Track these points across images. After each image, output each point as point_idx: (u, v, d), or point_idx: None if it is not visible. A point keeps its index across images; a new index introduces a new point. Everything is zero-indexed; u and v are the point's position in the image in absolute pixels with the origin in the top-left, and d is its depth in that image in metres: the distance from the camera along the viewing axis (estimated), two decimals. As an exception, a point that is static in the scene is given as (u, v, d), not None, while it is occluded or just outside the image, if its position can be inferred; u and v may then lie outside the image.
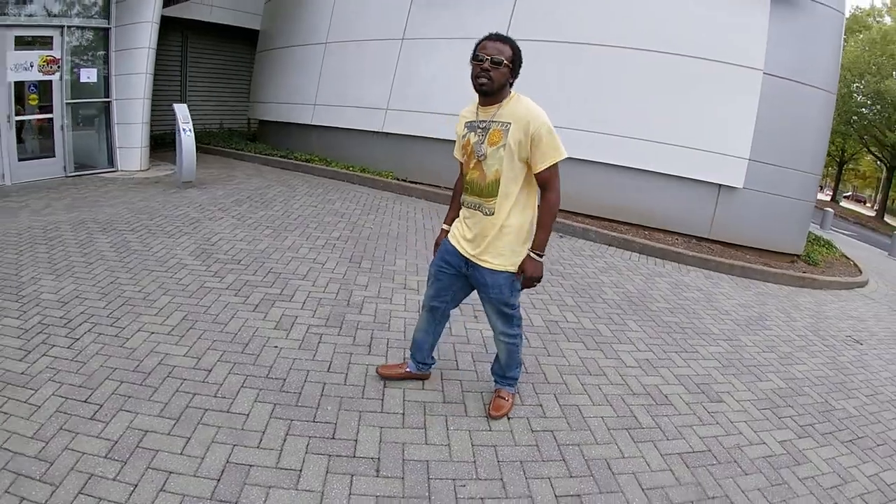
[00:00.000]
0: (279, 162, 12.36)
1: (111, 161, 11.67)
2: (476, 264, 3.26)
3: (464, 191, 3.33)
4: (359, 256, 6.99)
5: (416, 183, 10.81)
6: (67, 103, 10.95)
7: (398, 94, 11.21)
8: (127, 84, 11.02)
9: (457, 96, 10.50)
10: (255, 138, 15.20)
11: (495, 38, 3.03)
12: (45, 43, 10.63)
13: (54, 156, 11.08)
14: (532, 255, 3.12)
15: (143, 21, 10.60)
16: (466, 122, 3.27)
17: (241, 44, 17.12)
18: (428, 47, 10.74)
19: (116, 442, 3.14)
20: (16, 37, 10.31)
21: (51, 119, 10.95)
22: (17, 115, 10.40)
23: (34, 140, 11.02)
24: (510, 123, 3.01)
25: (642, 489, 3.03)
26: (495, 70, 2.97)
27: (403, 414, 3.58)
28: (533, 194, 3.20)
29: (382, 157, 11.62)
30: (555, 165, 3.02)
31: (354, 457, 3.12)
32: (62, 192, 9.94)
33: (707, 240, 8.77)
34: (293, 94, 13.27)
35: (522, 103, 3.07)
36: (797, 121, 8.66)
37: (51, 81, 10.81)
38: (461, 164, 3.44)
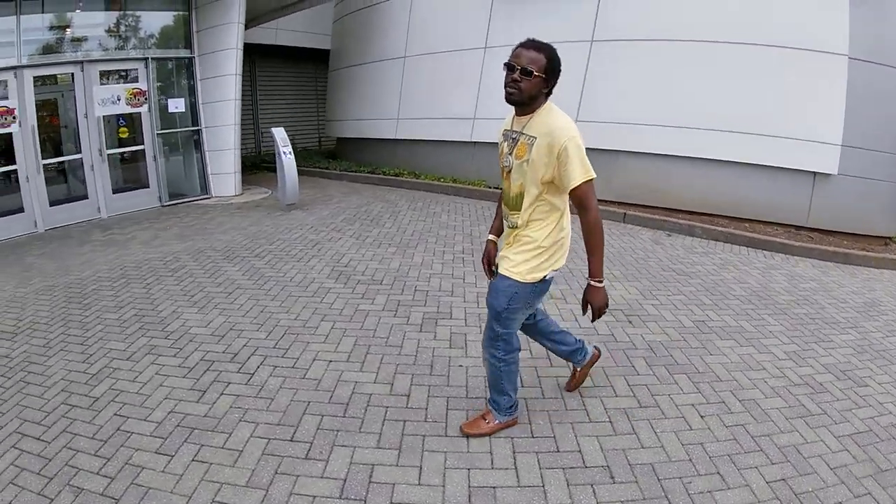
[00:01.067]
0: (368, 178, 12.08)
1: (204, 188, 11.47)
2: (497, 271, 3.08)
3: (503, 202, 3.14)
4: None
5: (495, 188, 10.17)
6: (158, 134, 10.76)
7: (484, 104, 10.76)
8: (215, 111, 10.86)
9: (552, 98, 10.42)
10: (334, 156, 14.86)
11: (530, 45, 2.75)
12: (131, 76, 10.47)
13: (148, 186, 10.91)
14: (592, 282, 2.83)
15: (228, 48, 10.46)
16: (504, 132, 3.04)
17: (307, 64, 16.91)
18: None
19: (346, 480, 3.02)
20: (101, 71, 10.18)
21: (142, 150, 10.76)
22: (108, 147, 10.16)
23: (127, 172, 10.87)
24: (536, 138, 2.76)
25: (830, 468, 3.16)
26: (525, 80, 2.70)
27: (610, 422, 3.61)
28: (558, 213, 2.93)
29: (472, 167, 11.20)
30: (587, 183, 2.72)
31: (586, 467, 3.13)
32: (165, 222, 9.74)
33: (805, 228, 8.40)
34: (373, 109, 12.88)
35: (552, 116, 2.80)
36: (886, 104, 8.14)
37: (140, 113, 10.59)
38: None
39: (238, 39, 10.53)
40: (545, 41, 2.76)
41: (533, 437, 3.41)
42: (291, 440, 3.37)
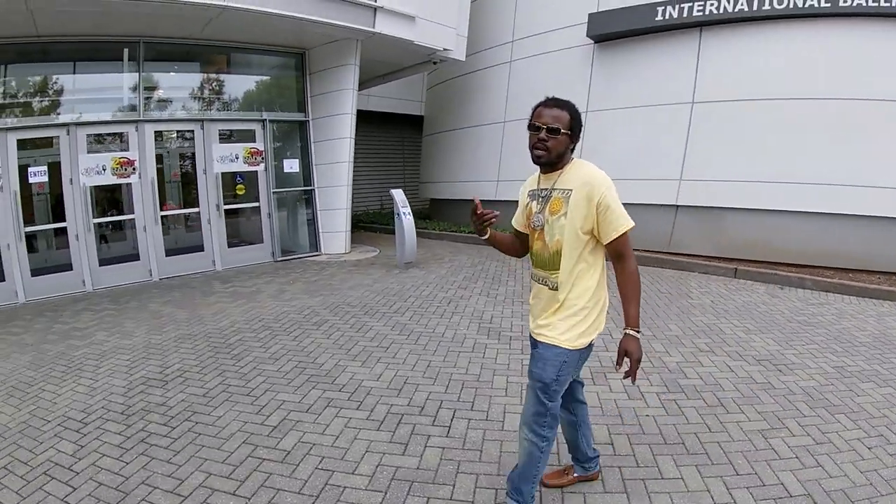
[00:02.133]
0: (468, 238, 11.95)
1: (315, 245, 11.38)
2: (536, 340, 2.79)
3: (532, 264, 2.91)
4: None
5: None
6: (273, 192, 10.76)
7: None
8: (328, 172, 10.96)
9: (649, 162, 9.67)
10: (426, 217, 14.77)
11: (552, 104, 2.63)
12: (248, 136, 10.57)
13: (262, 242, 10.86)
14: (630, 332, 2.58)
15: (343, 113, 10.57)
16: (529, 191, 2.88)
17: (395, 128, 17.01)
18: (612, 118, 10.24)
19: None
20: (220, 130, 10.29)
21: (257, 207, 10.76)
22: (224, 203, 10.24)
23: (242, 227, 10.89)
24: (571, 190, 2.61)
25: None
26: (552, 139, 2.59)
27: (797, 458, 3.57)
28: (599, 270, 2.72)
29: None
30: (625, 235, 2.57)
31: (791, 496, 3.14)
32: (285, 276, 9.59)
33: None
34: (472, 172, 12.81)
35: (584, 169, 2.66)
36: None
37: (256, 172, 10.59)
38: (520, 232, 3.05)
39: (352, 105, 10.59)
40: (564, 98, 2.67)
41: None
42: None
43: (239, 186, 10.45)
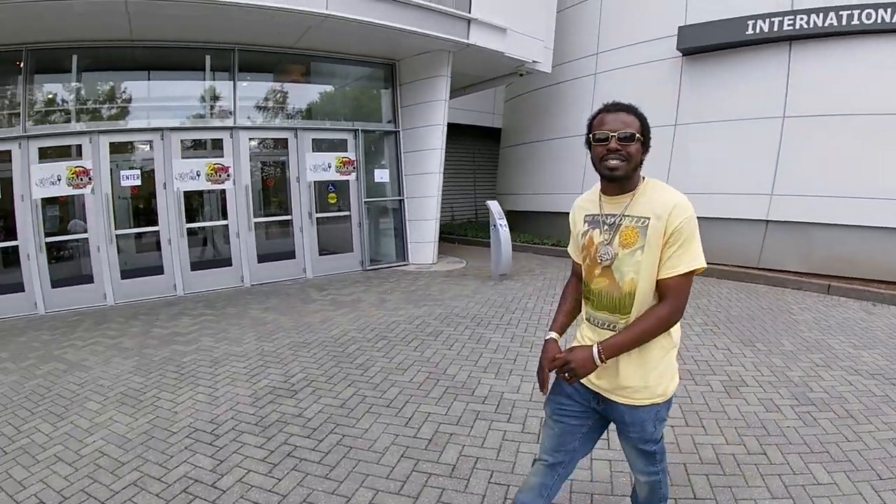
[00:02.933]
0: (551, 250, 11.42)
1: (402, 255, 10.84)
2: (611, 400, 2.14)
3: (586, 302, 2.23)
4: (749, 339, 5.86)
5: (709, 263, 9.12)
6: (364, 202, 10.25)
7: (674, 179, 9.44)
8: (418, 182, 10.47)
9: (739, 176, 9.01)
10: None
11: (614, 108, 2.03)
12: (340, 146, 10.09)
13: (352, 251, 10.33)
14: (597, 348, 1.97)
15: (434, 124, 10.11)
16: (587, 216, 2.21)
17: (466, 139, 16.33)
18: (700, 131, 9.62)
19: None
20: (313, 139, 9.80)
21: (348, 216, 10.28)
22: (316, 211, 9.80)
23: (332, 236, 10.35)
24: (649, 219, 1.99)
25: None
26: (629, 147, 1.96)
27: None
28: None
29: None
30: (689, 275, 1.96)
31: None
32: (379, 286, 8.99)
33: None
34: (553, 184, 12.20)
35: (667, 192, 2.04)
36: None
37: (348, 181, 10.06)
38: (574, 263, 2.38)
39: (444, 116, 10.08)
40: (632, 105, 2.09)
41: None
42: None
43: (331, 195, 10.00)
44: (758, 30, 8.57)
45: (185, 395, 4.76)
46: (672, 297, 1.97)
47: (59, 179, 7.90)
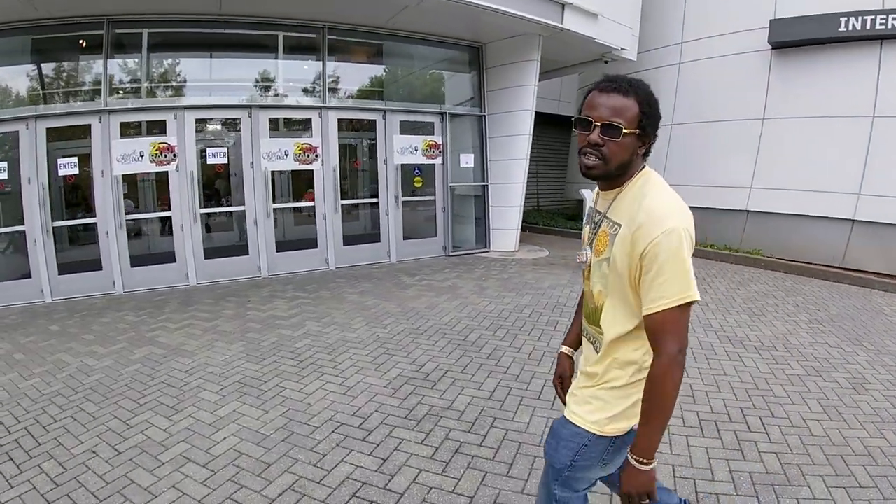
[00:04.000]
0: None
1: (485, 242, 9.98)
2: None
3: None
4: (856, 338, 5.25)
5: (788, 260, 8.71)
6: (450, 186, 9.38)
7: (761, 174, 9.15)
8: (503, 168, 9.59)
9: (825, 174, 8.30)
10: (575, 216, 13.31)
11: (611, 87, 1.44)
12: (427, 129, 9.27)
13: (435, 235, 9.52)
14: (632, 459, 1.41)
15: (523, 109, 9.20)
16: (590, 208, 1.71)
17: (551, 129, 15.20)
18: (787, 126, 8.86)
19: None
20: (401, 121, 8.92)
21: (433, 200, 9.47)
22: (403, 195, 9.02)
23: (416, 220, 9.59)
24: (619, 226, 1.47)
25: None
26: (611, 143, 1.42)
27: None
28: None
29: (744, 235, 9.54)
30: (675, 310, 1.34)
31: None
32: (468, 272, 8.21)
33: None
34: None
35: (649, 195, 1.45)
36: None
37: (434, 165, 9.34)
38: None
39: (532, 102, 9.25)
40: (635, 78, 1.48)
41: None
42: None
43: (417, 179, 9.25)
44: (850, 27, 7.90)
45: (313, 384, 4.14)
46: (661, 341, 1.38)
47: (142, 156, 7.14)
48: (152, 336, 5.39)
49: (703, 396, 3.88)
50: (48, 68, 7.24)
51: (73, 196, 7.38)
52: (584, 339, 1.73)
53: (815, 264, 8.38)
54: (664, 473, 2.89)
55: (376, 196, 8.81)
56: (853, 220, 8.18)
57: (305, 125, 8.23)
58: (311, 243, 8.35)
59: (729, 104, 9.55)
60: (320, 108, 8.16)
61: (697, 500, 2.67)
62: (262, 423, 3.54)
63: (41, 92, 7.07)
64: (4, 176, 6.70)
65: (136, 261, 7.33)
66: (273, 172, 7.98)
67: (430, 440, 3.29)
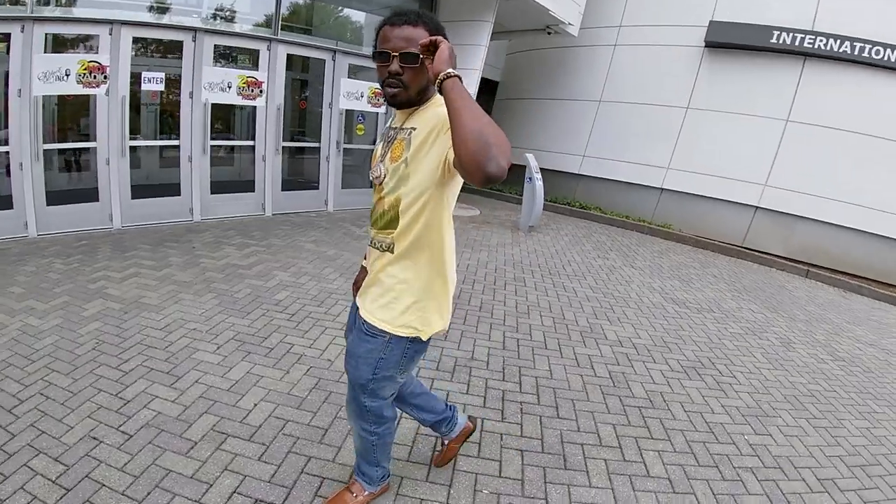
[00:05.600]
0: (554, 207, 10.55)
1: None
2: (359, 315, 1.84)
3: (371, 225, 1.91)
4: (773, 307, 6.06)
5: (696, 236, 9.38)
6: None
7: (679, 157, 9.72)
8: None
9: (738, 164, 8.99)
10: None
11: (400, 20, 1.58)
12: (373, 76, 8.18)
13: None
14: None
15: (472, 68, 8.50)
16: (383, 133, 1.89)
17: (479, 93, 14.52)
18: (710, 119, 9.51)
19: None
20: (349, 65, 8.19)
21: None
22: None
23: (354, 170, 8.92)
24: (415, 128, 1.64)
25: None
26: (410, 70, 1.57)
27: None
28: (442, 236, 1.73)
29: (657, 210, 10.07)
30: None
31: None
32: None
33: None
34: (555, 143, 11.29)
35: (432, 107, 1.67)
36: None
37: (377, 114, 8.76)
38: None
39: (481, 62, 8.73)
40: (421, 9, 1.83)
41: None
42: None
43: (360, 126, 8.58)
44: (781, 40, 8.60)
45: (322, 340, 3.76)
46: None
47: (68, 75, 5.80)
48: (98, 288, 4.52)
49: (676, 348, 4.31)
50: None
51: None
52: (370, 251, 1.83)
53: (720, 241, 9.15)
54: (673, 413, 3.23)
55: (318, 141, 8.07)
56: (756, 207, 9.02)
57: (252, 57, 7.25)
58: (248, 186, 7.51)
59: (657, 90, 9.92)
60: (270, 39, 7.23)
61: (724, 435, 3.10)
62: (289, 385, 3.13)
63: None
64: None
65: (54, 198, 6.06)
66: (212, 106, 6.99)
67: (473, 390, 3.21)
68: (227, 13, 7.11)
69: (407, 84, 1.54)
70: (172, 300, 4.37)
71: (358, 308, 1.83)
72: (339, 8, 8.34)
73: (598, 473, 2.47)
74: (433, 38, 1.45)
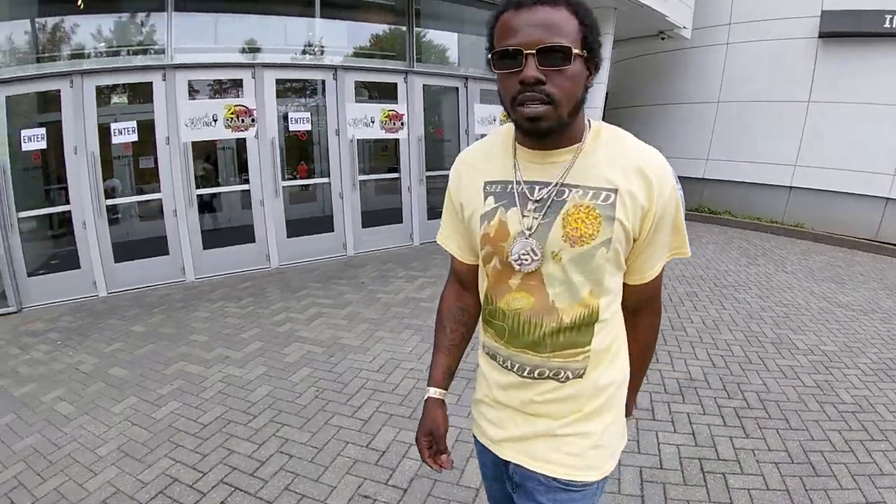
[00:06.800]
0: (687, 215, 8.65)
1: None
2: (525, 469, 1.06)
3: (487, 329, 1.08)
4: None
5: (831, 234, 8.35)
6: None
7: (806, 153, 8.74)
8: None
9: (864, 156, 8.11)
10: None
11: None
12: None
13: None
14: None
15: (598, 83, 7.16)
16: (489, 183, 1.02)
17: None
18: (833, 111, 8.47)
19: None
20: (481, 90, 7.56)
21: None
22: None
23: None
24: (615, 192, 0.92)
25: None
26: (558, 74, 0.86)
27: None
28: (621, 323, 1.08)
29: (788, 209, 9.01)
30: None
31: None
32: None
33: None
34: (675, 149, 10.25)
35: (626, 141, 0.97)
36: None
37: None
38: (457, 263, 1.17)
39: (606, 75, 8.32)
40: None
41: None
42: None
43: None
44: (894, 24, 7.72)
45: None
46: (653, 300, 1.07)
47: (215, 120, 5.60)
48: (287, 331, 4.20)
49: (860, 351, 3.84)
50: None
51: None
52: (507, 376, 1.05)
53: (854, 237, 8.20)
54: (881, 414, 2.95)
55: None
56: (887, 199, 8.02)
57: (390, 92, 6.81)
58: (396, 217, 7.06)
59: (776, 86, 9.01)
60: (406, 71, 6.85)
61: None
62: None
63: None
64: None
65: (208, 241, 5.80)
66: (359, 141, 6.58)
67: (709, 410, 3.00)
68: (365, 49, 6.71)
69: (557, 98, 0.87)
70: (372, 339, 4.00)
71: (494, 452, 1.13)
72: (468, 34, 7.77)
73: (843, 476, 2.38)
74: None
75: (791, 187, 8.97)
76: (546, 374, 1.01)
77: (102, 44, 5.32)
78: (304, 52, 6.42)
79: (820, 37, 8.47)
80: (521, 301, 0.99)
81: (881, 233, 8.13)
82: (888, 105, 7.92)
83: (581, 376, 1.01)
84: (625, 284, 1.03)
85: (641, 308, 1.08)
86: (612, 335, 1.03)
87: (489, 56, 0.92)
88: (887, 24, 7.80)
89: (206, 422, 2.89)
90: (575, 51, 0.86)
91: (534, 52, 0.85)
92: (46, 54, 5.08)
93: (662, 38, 9.16)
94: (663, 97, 10.65)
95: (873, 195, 8.13)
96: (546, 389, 1.02)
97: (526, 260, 0.96)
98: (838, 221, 8.46)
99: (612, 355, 1.04)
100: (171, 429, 2.83)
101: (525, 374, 1.03)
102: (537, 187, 0.97)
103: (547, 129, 0.91)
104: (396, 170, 7.03)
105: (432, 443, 1.16)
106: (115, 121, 5.22)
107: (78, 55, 5.17)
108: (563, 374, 1.01)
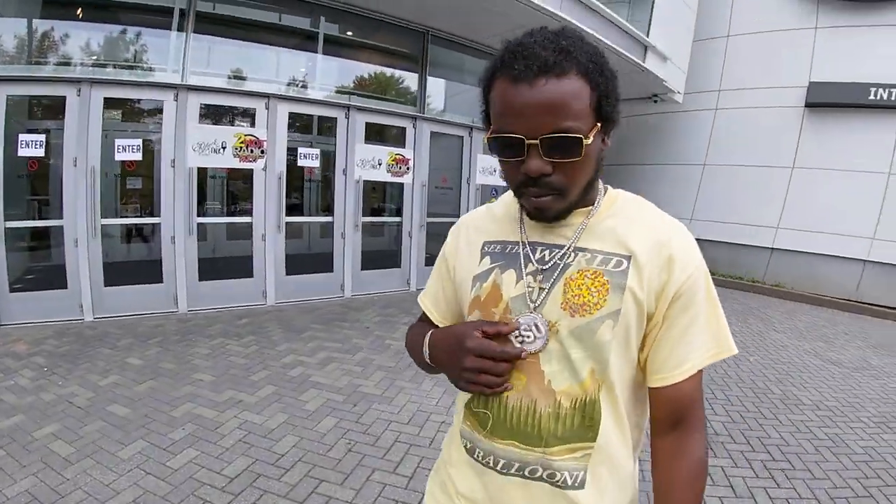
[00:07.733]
0: None
1: None
2: None
3: (467, 417, 0.90)
4: None
5: (811, 294, 8.59)
6: None
7: (790, 215, 9.04)
8: None
9: (843, 218, 8.36)
10: None
11: (532, 69, 0.71)
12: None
13: None
14: None
15: None
16: (488, 243, 0.89)
17: None
18: (816, 176, 8.85)
19: None
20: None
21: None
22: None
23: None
24: (628, 259, 0.78)
25: None
26: (567, 167, 0.74)
27: None
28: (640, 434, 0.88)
29: (768, 270, 9.28)
30: (701, 373, 0.79)
31: None
32: None
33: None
34: (663, 207, 8.78)
35: (654, 211, 0.85)
36: None
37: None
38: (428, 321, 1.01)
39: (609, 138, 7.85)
40: (558, 29, 0.78)
41: None
42: None
43: (492, 199, 7.41)
44: (878, 96, 8.17)
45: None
46: (686, 421, 0.81)
47: (224, 148, 5.41)
48: (300, 375, 3.93)
49: (860, 406, 4.00)
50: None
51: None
52: (489, 476, 0.87)
53: (834, 297, 8.47)
54: (890, 463, 3.11)
55: (457, 216, 7.47)
56: (865, 261, 8.36)
57: (398, 136, 6.81)
58: (394, 261, 6.97)
59: (761, 151, 9.37)
60: (415, 117, 6.86)
61: None
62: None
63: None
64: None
65: (203, 272, 5.50)
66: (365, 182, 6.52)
67: (739, 462, 3.03)
68: (377, 92, 6.75)
69: (566, 188, 0.77)
70: (393, 388, 3.78)
71: None
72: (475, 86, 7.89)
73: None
74: None
75: (772, 248, 9.25)
76: (538, 474, 0.82)
77: (114, 56, 5.14)
78: (318, 89, 6.42)
79: (806, 106, 8.90)
80: (510, 381, 0.83)
81: (860, 292, 8.43)
82: (868, 172, 8.32)
83: (580, 486, 0.82)
84: (650, 391, 0.84)
85: (673, 427, 0.83)
86: (625, 446, 0.84)
87: (486, 138, 0.79)
88: (872, 97, 8.24)
89: (232, 474, 2.65)
90: (587, 141, 0.73)
91: (537, 142, 0.73)
92: (53, 59, 4.83)
93: (655, 101, 9.52)
94: (651, 157, 10.93)
95: (851, 257, 8.47)
96: (536, 494, 0.83)
97: (528, 337, 0.81)
98: (818, 282, 8.75)
99: (624, 475, 0.85)
100: (193, 481, 2.57)
101: (512, 471, 0.84)
102: (540, 248, 0.85)
103: (555, 217, 0.81)
104: (384, 211, 7.04)
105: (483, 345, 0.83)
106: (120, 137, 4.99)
107: (88, 63, 4.94)
108: (559, 476, 0.81)
